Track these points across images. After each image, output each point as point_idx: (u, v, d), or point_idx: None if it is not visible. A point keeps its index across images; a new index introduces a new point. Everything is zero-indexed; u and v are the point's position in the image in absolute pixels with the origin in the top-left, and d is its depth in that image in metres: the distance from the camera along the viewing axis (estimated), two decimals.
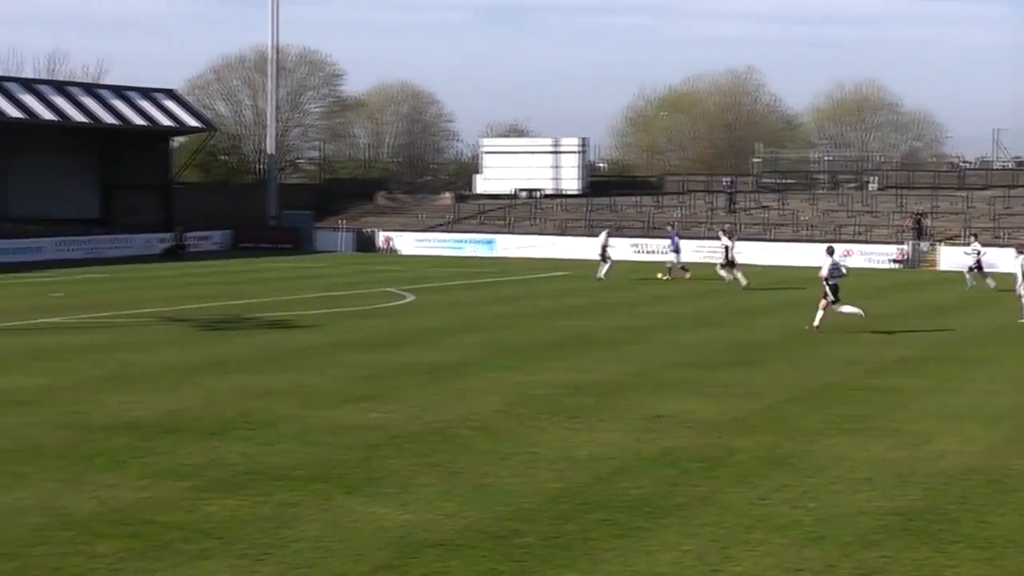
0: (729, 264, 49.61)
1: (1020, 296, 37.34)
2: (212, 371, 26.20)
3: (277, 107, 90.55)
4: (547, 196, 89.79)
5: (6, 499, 15.43)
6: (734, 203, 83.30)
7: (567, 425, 20.43)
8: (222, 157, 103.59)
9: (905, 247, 70.10)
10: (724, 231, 52.32)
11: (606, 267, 53.97)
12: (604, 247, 54.44)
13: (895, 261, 69.28)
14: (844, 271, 34.87)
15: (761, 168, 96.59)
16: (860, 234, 75.16)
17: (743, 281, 47.94)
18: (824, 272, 34.10)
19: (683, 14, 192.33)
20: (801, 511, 15.13)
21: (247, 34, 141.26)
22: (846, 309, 34.08)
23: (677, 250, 54.91)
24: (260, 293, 45.78)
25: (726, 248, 49.84)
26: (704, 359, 28.81)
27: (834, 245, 39.55)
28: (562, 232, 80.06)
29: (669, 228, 61.27)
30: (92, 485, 16.13)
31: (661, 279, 53.04)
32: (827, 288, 33.89)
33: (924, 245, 70.09)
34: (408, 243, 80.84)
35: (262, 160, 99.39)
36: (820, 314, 33.99)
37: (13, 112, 73.00)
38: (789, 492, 16.02)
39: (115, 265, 65.49)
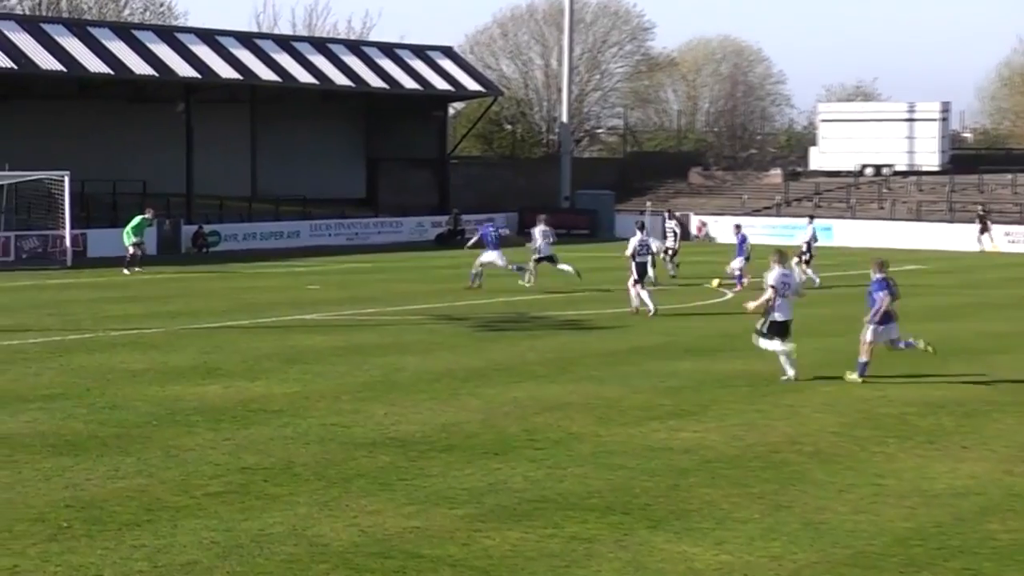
0: None
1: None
2: (493, 379, 26.56)
3: (572, 67, 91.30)
4: (898, 173, 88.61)
5: (254, 524, 15.89)
6: None
7: (921, 452, 20.14)
8: (507, 127, 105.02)
9: None
10: None
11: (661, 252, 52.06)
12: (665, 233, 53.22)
13: None
14: (654, 248, 40.59)
15: None
16: None
17: None
18: (629, 250, 38.62)
19: None
20: None
21: None
22: (644, 293, 38.16)
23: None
24: (550, 287, 46.19)
25: None
26: None
27: (644, 220, 44.53)
28: (917, 217, 78.80)
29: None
30: (351, 511, 16.51)
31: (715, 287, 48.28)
32: (632, 267, 38.22)
33: None
34: (726, 229, 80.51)
35: (554, 130, 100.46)
36: (632, 295, 38.13)
37: (266, 74, 74.17)
38: None
39: (381, 253, 67.04)
